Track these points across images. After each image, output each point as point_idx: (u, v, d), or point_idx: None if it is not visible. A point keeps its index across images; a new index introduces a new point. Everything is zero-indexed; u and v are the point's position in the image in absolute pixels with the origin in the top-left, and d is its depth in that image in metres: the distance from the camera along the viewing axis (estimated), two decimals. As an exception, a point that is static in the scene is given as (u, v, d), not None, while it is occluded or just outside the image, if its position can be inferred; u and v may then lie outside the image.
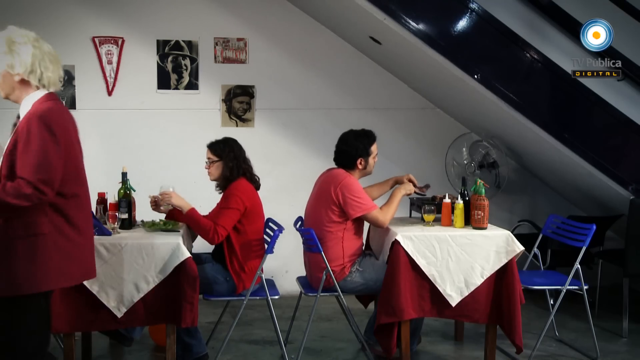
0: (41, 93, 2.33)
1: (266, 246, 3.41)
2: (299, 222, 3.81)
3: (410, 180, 3.68)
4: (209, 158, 3.49)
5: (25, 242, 2.22)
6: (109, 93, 4.92)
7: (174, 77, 4.98)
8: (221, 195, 3.55)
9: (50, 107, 2.28)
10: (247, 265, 3.38)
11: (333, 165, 3.64)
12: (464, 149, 4.92)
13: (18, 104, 2.39)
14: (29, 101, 2.32)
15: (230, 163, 3.45)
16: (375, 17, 3.87)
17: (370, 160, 3.56)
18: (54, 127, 2.24)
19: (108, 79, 4.90)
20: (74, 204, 2.34)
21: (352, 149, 3.51)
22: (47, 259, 2.25)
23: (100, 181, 4.45)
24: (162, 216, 3.60)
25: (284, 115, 5.09)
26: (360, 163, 3.52)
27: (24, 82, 2.31)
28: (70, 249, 2.32)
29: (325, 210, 3.44)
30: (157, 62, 4.95)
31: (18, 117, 2.38)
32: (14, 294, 2.22)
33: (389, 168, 5.12)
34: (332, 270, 3.38)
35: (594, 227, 3.57)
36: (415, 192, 3.68)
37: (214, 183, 3.57)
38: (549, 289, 3.89)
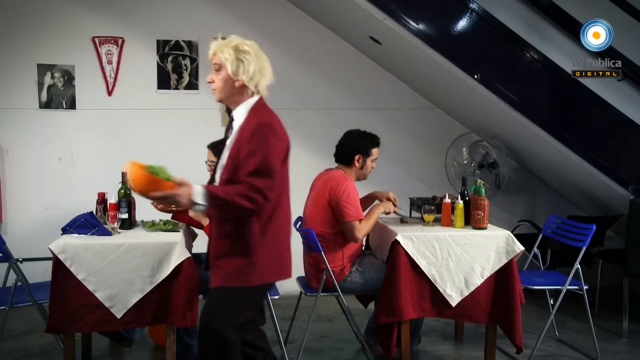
0: (255, 99, 2.47)
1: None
2: (299, 222, 3.81)
3: (389, 199, 3.62)
4: (212, 161, 3.41)
5: (248, 237, 2.39)
6: (109, 93, 4.92)
7: (174, 77, 4.98)
8: None
9: (270, 113, 2.45)
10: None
11: (334, 165, 3.64)
12: (464, 149, 4.92)
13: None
14: (245, 107, 2.46)
15: None
16: (375, 17, 3.87)
17: (368, 162, 3.54)
18: (279, 135, 2.39)
19: (108, 79, 4.90)
20: (284, 204, 2.48)
21: (353, 143, 3.51)
22: (267, 254, 2.42)
23: (100, 181, 4.48)
24: (162, 216, 3.60)
25: (284, 115, 5.00)
26: (358, 161, 3.51)
27: (243, 88, 2.45)
28: (281, 245, 2.48)
29: (324, 211, 3.43)
30: (157, 62, 4.95)
31: (232, 120, 2.50)
32: (239, 284, 2.42)
33: (389, 168, 5.13)
34: (331, 271, 3.38)
35: (594, 227, 3.57)
36: (394, 212, 3.60)
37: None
38: (549, 289, 3.89)
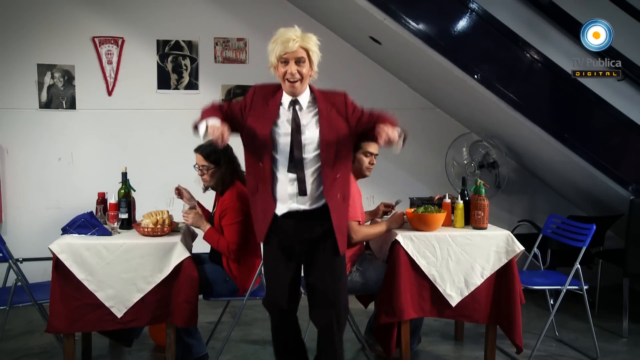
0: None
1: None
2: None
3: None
4: (202, 165, 3.31)
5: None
6: (109, 93, 4.92)
7: (174, 77, 4.98)
8: (216, 200, 3.48)
9: None
10: (245, 266, 3.36)
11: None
12: (464, 149, 4.92)
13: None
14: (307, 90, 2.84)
15: (229, 168, 3.32)
16: (375, 17, 3.87)
17: (362, 156, 3.40)
18: None
19: (108, 79, 4.90)
20: None
21: None
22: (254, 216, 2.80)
23: (100, 181, 4.48)
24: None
25: (284, 115, 5.07)
26: None
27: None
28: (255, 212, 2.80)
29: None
30: (157, 62, 4.95)
31: (294, 103, 2.82)
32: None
33: (389, 168, 5.14)
34: (332, 270, 3.37)
35: (594, 227, 3.58)
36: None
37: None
38: (549, 289, 3.89)
